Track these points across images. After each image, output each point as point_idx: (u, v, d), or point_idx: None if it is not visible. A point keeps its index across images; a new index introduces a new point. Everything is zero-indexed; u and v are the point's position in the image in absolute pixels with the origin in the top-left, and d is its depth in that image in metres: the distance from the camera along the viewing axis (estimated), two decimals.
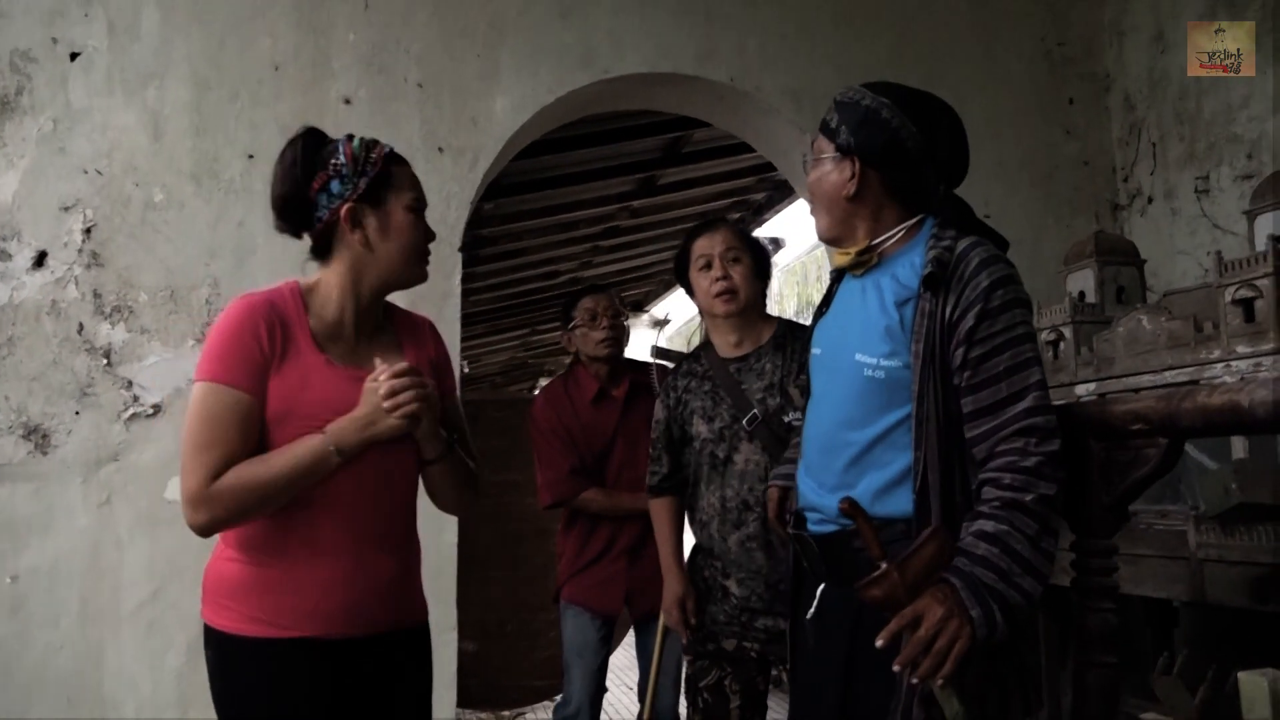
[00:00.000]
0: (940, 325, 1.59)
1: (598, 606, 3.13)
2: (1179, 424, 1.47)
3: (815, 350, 1.83)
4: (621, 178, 6.43)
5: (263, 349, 1.65)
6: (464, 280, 3.31)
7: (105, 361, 2.99)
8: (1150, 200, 3.80)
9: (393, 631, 1.77)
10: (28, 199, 2.98)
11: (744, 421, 2.50)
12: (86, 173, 3.03)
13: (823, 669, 1.72)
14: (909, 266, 1.67)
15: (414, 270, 1.80)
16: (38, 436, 2.92)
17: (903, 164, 1.70)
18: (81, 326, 2.98)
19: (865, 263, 1.74)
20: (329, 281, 1.76)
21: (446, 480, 1.83)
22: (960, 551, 1.50)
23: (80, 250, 3.00)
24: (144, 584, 2.95)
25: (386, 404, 1.64)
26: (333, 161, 1.72)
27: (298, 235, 1.77)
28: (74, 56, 3.06)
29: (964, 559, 1.49)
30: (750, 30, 3.63)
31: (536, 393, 4.73)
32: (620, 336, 3.22)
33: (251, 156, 3.14)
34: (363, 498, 1.72)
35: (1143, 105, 3.86)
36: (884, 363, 1.62)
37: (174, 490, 2.99)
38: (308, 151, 1.73)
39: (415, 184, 1.80)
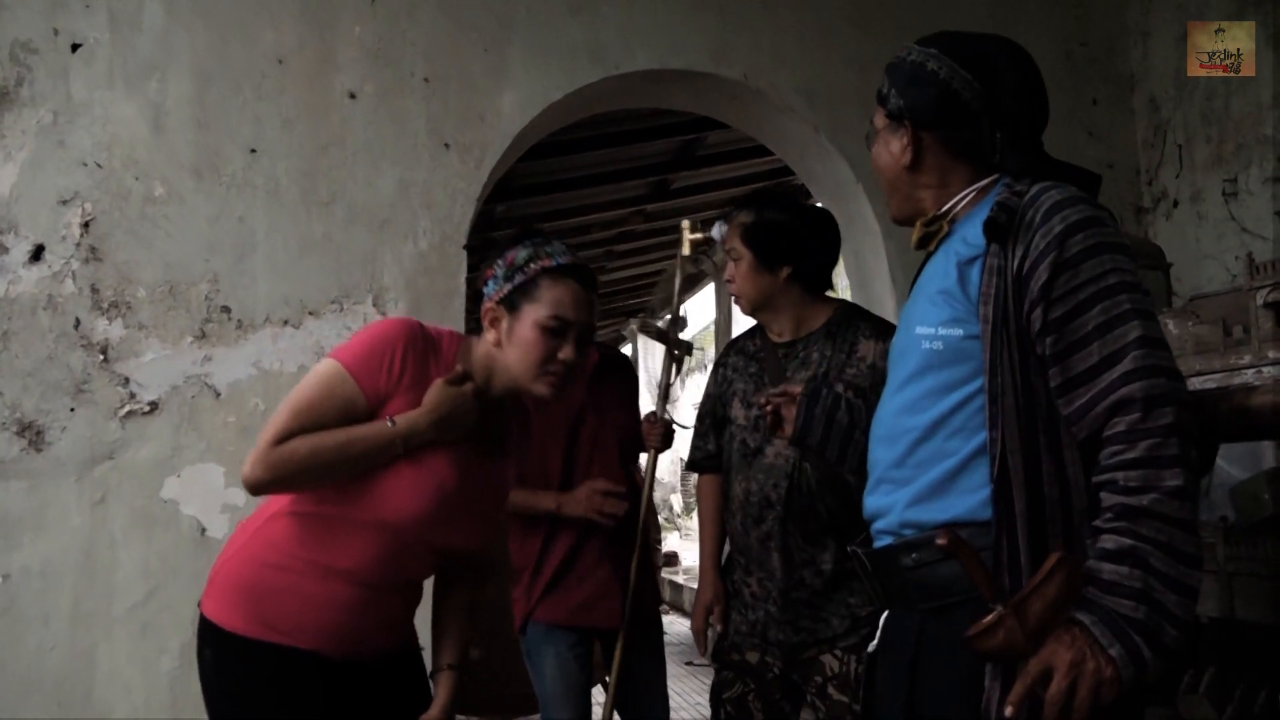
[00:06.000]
0: (1009, 283, 1.34)
1: (597, 623, 2.67)
2: (1214, 427, 1.38)
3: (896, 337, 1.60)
4: (634, 181, 6.38)
5: (389, 371, 1.69)
6: (474, 283, 3.21)
7: (102, 358, 2.93)
8: (1175, 203, 3.70)
9: (388, 654, 1.82)
10: (26, 192, 2.93)
11: None
12: (86, 166, 2.98)
13: (886, 710, 1.48)
14: (977, 225, 1.42)
15: (532, 385, 1.76)
16: (31, 433, 2.86)
17: (961, 120, 1.48)
18: (78, 322, 2.92)
19: (936, 233, 1.52)
20: (476, 353, 1.81)
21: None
22: (1088, 579, 1.24)
23: (78, 244, 2.95)
24: (138, 585, 2.89)
25: None
26: (498, 261, 1.80)
27: None
28: (75, 48, 3.01)
29: (1093, 588, 1.23)
30: (764, 28, 3.56)
31: None
32: None
33: (254, 151, 3.08)
34: (395, 555, 1.74)
35: (1168, 106, 3.76)
36: (942, 331, 1.38)
37: (170, 490, 2.93)
38: (506, 244, 1.83)
39: (563, 304, 1.76)
